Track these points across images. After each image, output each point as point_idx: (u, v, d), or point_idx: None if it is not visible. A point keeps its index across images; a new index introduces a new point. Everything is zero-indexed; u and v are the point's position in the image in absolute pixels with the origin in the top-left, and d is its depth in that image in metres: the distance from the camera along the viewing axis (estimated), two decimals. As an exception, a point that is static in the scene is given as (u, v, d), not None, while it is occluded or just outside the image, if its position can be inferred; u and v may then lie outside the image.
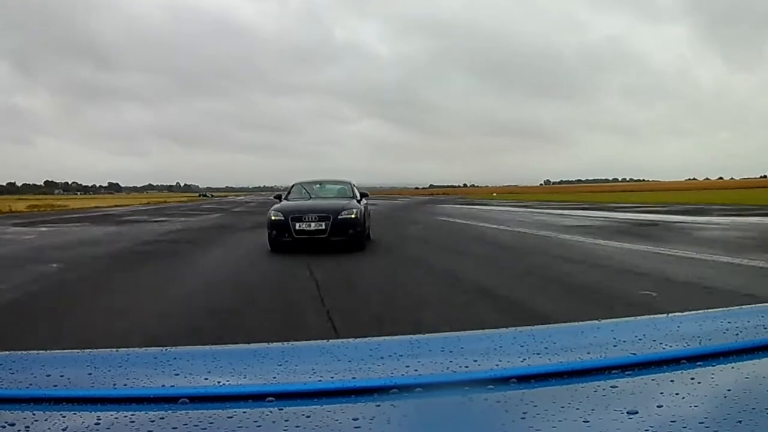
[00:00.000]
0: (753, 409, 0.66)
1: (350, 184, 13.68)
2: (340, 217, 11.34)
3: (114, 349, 0.90)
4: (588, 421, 0.64)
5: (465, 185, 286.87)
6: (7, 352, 0.88)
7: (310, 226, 11.27)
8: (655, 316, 1.04)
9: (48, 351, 0.92)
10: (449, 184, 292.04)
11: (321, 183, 13.96)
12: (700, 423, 0.63)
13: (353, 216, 11.46)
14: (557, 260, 9.73)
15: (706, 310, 1.05)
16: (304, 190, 13.28)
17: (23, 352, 0.88)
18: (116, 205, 55.88)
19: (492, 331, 0.98)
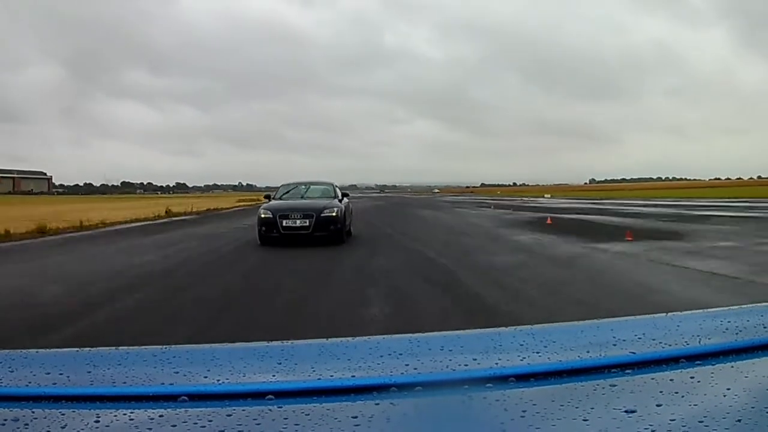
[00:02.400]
0: (752, 408, 0.66)
1: (332, 185, 15.24)
2: (322, 215, 12.80)
3: (114, 348, 0.90)
4: (587, 420, 0.64)
5: (515, 184, 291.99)
6: (7, 350, 0.88)
7: (295, 222, 12.69)
8: (655, 315, 1.04)
9: (48, 349, 0.92)
10: (500, 183, 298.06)
11: (306, 184, 15.33)
12: (700, 422, 0.63)
13: (334, 214, 12.96)
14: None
15: (705, 310, 1.05)
16: (291, 190, 14.76)
17: (23, 350, 0.88)
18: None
19: (492, 329, 0.98)
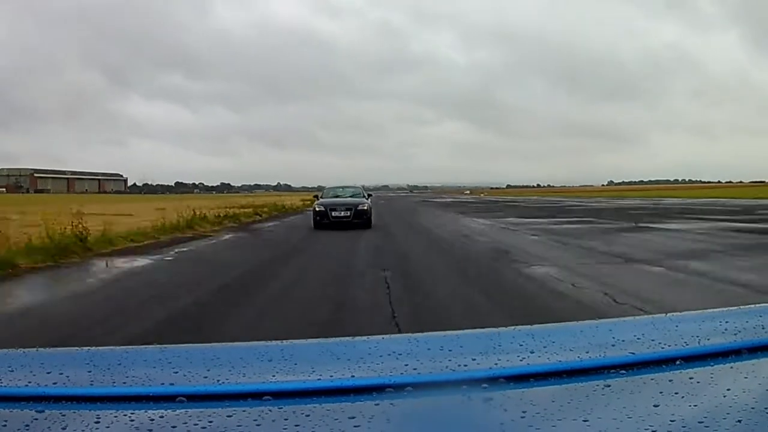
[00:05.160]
0: (752, 409, 0.66)
1: (361, 188, 22.92)
2: (358, 208, 19.33)
3: (113, 348, 0.90)
4: (587, 421, 0.64)
5: (539, 185, 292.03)
6: (7, 350, 0.88)
7: (340, 213, 18.96)
8: (654, 315, 1.04)
9: (47, 348, 0.92)
10: (525, 184, 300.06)
11: (343, 187, 22.76)
12: (699, 423, 0.63)
13: (365, 208, 19.64)
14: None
15: (704, 310, 1.05)
16: (333, 192, 21.82)
17: (23, 349, 0.88)
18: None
19: (491, 330, 0.98)
